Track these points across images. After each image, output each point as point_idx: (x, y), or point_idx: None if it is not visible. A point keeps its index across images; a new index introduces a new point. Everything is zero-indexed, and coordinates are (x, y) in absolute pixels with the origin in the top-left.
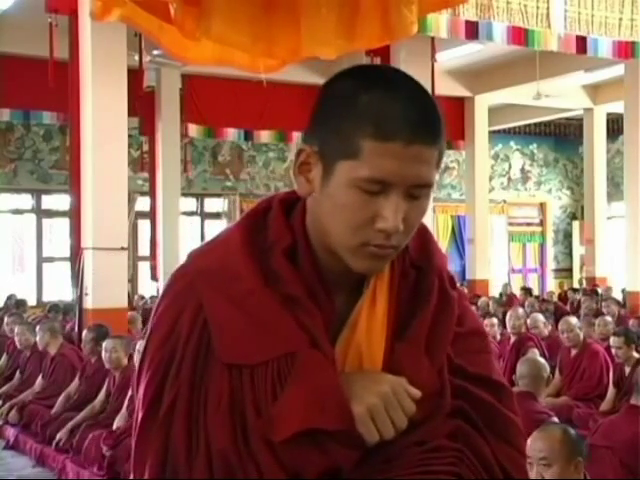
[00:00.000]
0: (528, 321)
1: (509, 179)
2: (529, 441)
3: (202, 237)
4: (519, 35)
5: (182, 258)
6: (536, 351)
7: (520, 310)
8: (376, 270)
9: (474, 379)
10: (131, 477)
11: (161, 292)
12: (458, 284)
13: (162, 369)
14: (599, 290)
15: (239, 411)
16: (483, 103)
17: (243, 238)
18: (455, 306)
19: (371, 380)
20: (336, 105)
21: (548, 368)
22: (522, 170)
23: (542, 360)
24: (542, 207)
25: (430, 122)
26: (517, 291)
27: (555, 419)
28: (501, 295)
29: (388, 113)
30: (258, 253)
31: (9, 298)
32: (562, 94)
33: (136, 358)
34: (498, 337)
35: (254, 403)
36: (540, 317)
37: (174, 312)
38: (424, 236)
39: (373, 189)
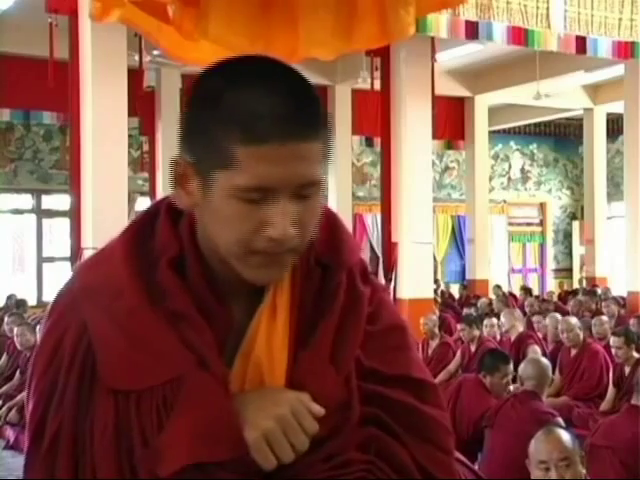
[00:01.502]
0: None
1: (509, 179)
2: (536, 445)
3: None
4: (519, 35)
5: None
6: (537, 348)
7: (516, 312)
8: (273, 279)
9: (390, 381)
10: None
11: (47, 310)
12: (458, 284)
13: (45, 398)
14: (598, 290)
15: (125, 441)
16: (483, 103)
17: (126, 250)
18: (364, 305)
19: (268, 400)
20: (203, 108)
21: (551, 368)
22: (522, 170)
23: (546, 360)
24: (542, 207)
25: (305, 115)
26: (517, 291)
27: (559, 419)
28: (498, 296)
29: (256, 113)
30: (142, 266)
31: (9, 298)
32: (562, 94)
33: None
34: (498, 337)
35: (141, 433)
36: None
37: (56, 334)
38: (332, 228)
39: (255, 197)
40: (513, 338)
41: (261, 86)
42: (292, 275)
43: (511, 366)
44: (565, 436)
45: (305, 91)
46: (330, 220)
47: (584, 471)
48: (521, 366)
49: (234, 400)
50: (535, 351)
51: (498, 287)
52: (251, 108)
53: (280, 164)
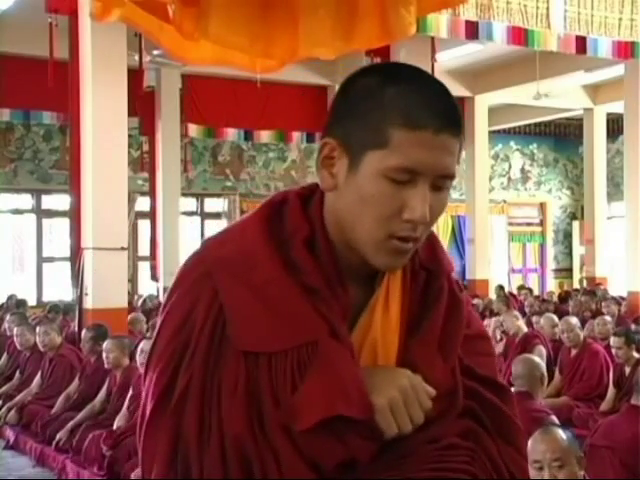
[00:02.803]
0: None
1: (509, 179)
2: (532, 444)
3: (202, 237)
4: (519, 35)
5: (182, 258)
6: (542, 348)
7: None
8: (396, 266)
9: (482, 381)
10: (139, 471)
11: (174, 281)
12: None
13: (175, 359)
14: (601, 288)
15: (255, 398)
16: (483, 103)
17: (262, 227)
18: (464, 309)
19: (390, 374)
20: (362, 98)
21: (543, 366)
22: (522, 170)
23: (537, 359)
24: (542, 207)
25: (455, 113)
26: (516, 291)
27: (553, 417)
28: (499, 296)
29: (417, 103)
30: (277, 242)
31: (10, 298)
32: (562, 94)
33: (140, 358)
34: (498, 337)
35: (271, 391)
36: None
37: (189, 301)
38: (432, 240)
39: (402, 178)
40: (518, 339)
41: (418, 83)
42: (403, 273)
43: None
44: (561, 437)
45: (450, 94)
46: (429, 234)
47: (582, 472)
48: (512, 366)
49: (362, 370)
50: (541, 352)
51: (501, 287)
52: (412, 98)
53: (431, 151)
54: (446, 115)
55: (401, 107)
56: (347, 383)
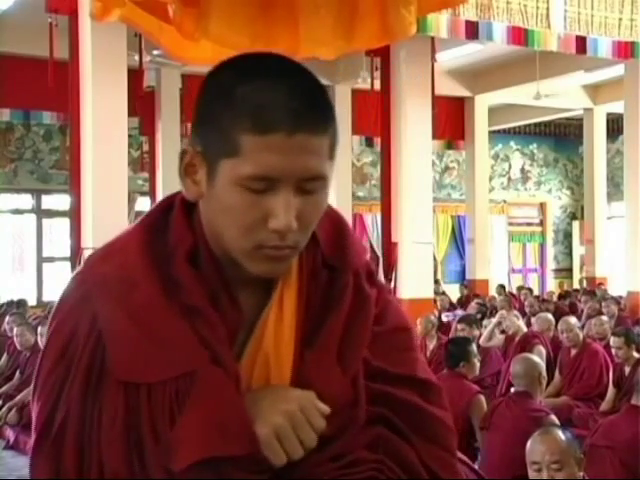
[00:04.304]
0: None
1: (509, 179)
2: (531, 445)
3: None
4: (519, 35)
5: None
6: (541, 348)
7: (514, 314)
8: (275, 273)
9: (397, 380)
10: None
11: (56, 304)
12: (458, 284)
13: (56, 390)
14: (597, 291)
15: (135, 432)
16: (483, 103)
17: (142, 241)
18: (372, 306)
19: (277, 398)
20: (214, 100)
21: (542, 366)
22: (522, 170)
23: (536, 358)
24: (542, 207)
25: (315, 109)
26: (515, 291)
27: (553, 417)
28: (500, 294)
29: (266, 103)
30: (158, 258)
31: (10, 303)
32: (562, 94)
33: None
34: (498, 335)
35: (151, 425)
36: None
37: (68, 328)
38: (339, 230)
39: (259, 187)
40: (517, 339)
41: (273, 79)
42: (299, 275)
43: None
44: (560, 438)
45: (315, 87)
46: (336, 222)
47: (581, 474)
48: (511, 365)
49: (246, 397)
50: (540, 352)
51: (502, 287)
52: (261, 99)
53: (286, 155)
54: (302, 113)
55: (250, 109)
56: (227, 417)
